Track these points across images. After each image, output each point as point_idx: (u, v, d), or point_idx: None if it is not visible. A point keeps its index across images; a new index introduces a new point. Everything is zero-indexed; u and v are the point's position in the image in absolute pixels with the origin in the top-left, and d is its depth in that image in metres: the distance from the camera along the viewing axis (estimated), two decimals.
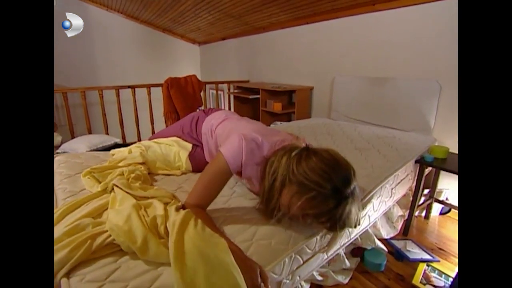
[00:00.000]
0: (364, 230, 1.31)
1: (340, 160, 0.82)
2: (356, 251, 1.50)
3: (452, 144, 1.82)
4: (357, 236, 1.27)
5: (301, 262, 0.89)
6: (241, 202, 1.04)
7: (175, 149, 1.30)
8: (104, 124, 3.23)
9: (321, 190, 0.74)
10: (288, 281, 0.86)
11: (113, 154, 1.41)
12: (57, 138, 2.91)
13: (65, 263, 0.67)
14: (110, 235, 0.74)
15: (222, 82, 3.98)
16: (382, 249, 1.49)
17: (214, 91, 4.11)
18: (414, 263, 1.49)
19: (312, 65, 3.02)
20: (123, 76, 4.33)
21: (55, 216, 0.85)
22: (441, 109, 1.97)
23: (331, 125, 2.35)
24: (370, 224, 1.34)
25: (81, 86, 3.21)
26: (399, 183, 1.47)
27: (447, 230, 1.82)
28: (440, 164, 1.60)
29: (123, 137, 3.32)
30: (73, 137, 2.99)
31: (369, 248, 1.47)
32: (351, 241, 1.21)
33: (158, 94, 3.47)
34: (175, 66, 5.05)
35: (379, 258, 1.46)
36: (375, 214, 1.33)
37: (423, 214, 1.96)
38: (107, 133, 3.21)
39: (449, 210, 1.99)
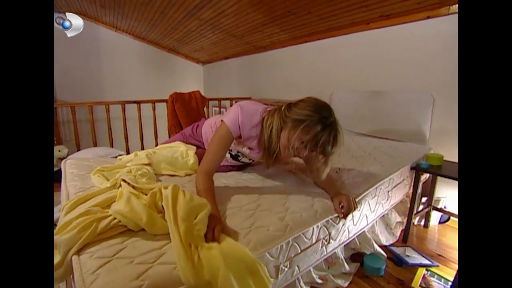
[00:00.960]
0: (362, 231, 1.34)
1: (321, 100, 1.06)
2: (355, 256, 1.52)
3: (446, 153, 1.87)
4: (355, 236, 1.30)
5: (299, 250, 0.92)
6: (240, 199, 1.09)
7: (182, 149, 1.37)
8: (109, 138, 3.32)
9: (311, 118, 0.97)
10: (286, 269, 0.89)
11: (120, 159, 1.48)
12: (64, 151, 2.99)
13: (73, 242, 0.72)
14: (114, 218, 0.79)
15: (225, 99, 4.11)
16: (382, 254, 1.50)
17: (217, 108, 4.23)
18: (413, 269, 1.49)
19: (311, 81, 3.14)
20: (129, 93, 4.48)
21: (67, 206, 0.91)
22: (435, 120, 2.04)
23: None
24: (368, 226, 1.37)
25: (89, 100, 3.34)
26: (395, 186, 1.52)
27: (446, 238, 1.83)
28: (435, 171, 1.65)
29: (128, 151, 3.40)
30: (79, 150, 3.07)
31: (368, 253, 1.49)
32: (350, 239, 1.24)
33: (162, 111, 3.59)
34: (179, 84, 5.22)
35: (379, 263, 1.47)
36: (372, 216, 1.36)
37: (422, 223, 1.97)
38: (112, 147, 3.29)
39: (448, 219, 2.00)
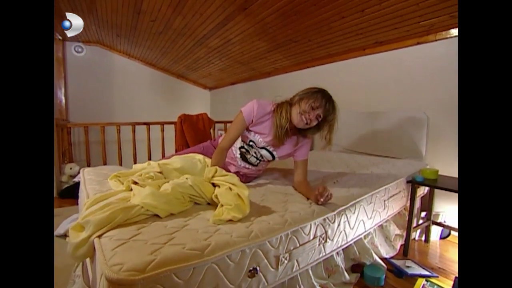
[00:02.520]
0: (359, 237, 1.40)
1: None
2: (356, 267, 1.55)
3: (443, 168, 1.95)
4: (353, 241, 1.35)
5: (297, 244, 0.99)
6: None
7: (199, 157, 1.47)
8: (118, 158, 3.45)
9: (312, 91, 1.37)
10: (286, 261, 0.95)
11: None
12: (75, 168, 3.12)
13: (104, 224, 0.83)
14: (141, 207, 0.91)
15: (230, 122, 4.26)
16: (382, 265, 1.54)
17: (223, 131, 4.38)
18: (413, 279, 1.52)
19: None
20: (139, 117, 4.69)
21: (88, 202, 1.00)
22: (431, 137, 2.14)
23: (330, 155, 2.51)
24: (366, 232, 1.42)
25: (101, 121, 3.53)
26: (391, 197, 1.58)
27: (448, 253, 1.84)
28: (430, 183, 1.72)
29: None
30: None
31: (368, 263, 1.52)
32: (348, 243, 1.29)
33: (169, 132, 3.76)
34: (187, 109, 5.44)
35: (378, 273, 1.50)
36: (370, 223, 1.42)
37: (423, 238, 2.00)
38: (121, 166, 3.41)
39: (449, 234, 2.03)
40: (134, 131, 3.49)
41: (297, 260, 1.01)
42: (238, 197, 1.03)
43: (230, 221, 0.94)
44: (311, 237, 1.05)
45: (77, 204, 1.63)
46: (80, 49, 4.29)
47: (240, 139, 1.56)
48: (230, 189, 1.08)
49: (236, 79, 4.67)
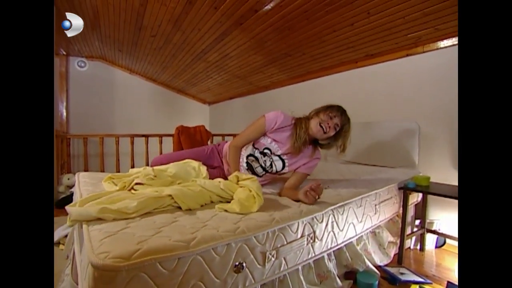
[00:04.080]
0: (350, 241, 1.40)
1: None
2: (349, 274, 1.54)
3: (435, 176, 1.97)
4: (344, 244, 1.36)
5: (285, 242, 1.00)
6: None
7: (194, 164, 1.50)
8: (116, 169, 3.48)
9: (328, 105, 1.49)
10: (273, 258, 0.96)
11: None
12: (72, 179, 3.13)
13: (139, 209, 0.95)
14: (172, 198, 1.07)
15: (228, 135, 4.33)
16: (375, 271, 1.53)
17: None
18: (406, 286, 1.51)
19: None
20: (139, 131, 4.76)
21: (80, 200, 1.03)
22: (422, 145, 2.17)
23: (326, 166, 2.54)
24: (357, 236, 1.43)
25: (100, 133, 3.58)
26: (382, 202, 1.60)
27: (443, 261, 1.83)
28: (422, 189, 1.74)
29: None
30: None
31: (361, 269, 1.52)
32: (338, 246, 1.30)
33: (168, 145, 3.81)
34: (186, 123, 5.49)
35: (371, 279, 1.49)
36: (360, 226, 1.43)
37: (418, 246, 1.99)
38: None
39: (444, 243, 2.02)
40: (132, 143, 3.54)
41: (285, 259, 1.02)
42: (252, 197, 1.14)
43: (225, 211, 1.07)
44: (299, 236, 1.06)
45: None
46: (83, 64, 4.42)
47: (251, 146, 1.61)
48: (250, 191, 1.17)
49: (234, 94, 4.77)
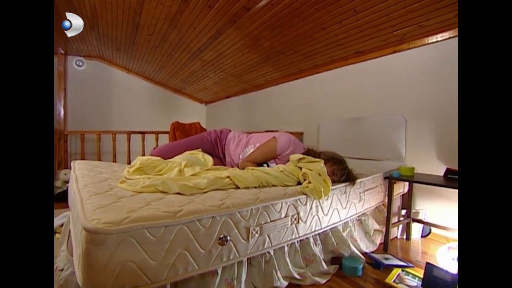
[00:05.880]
0: (335, 226, 1.47)
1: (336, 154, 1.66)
2: (335, 260, 1.61)
3: (421, 167, 2.05)
4: (329, 228, 1.42)
5: (268, 220, 1.07)
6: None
7: (197, 154, 1.59)
8: None
9: (338, 158, 1.59)
10: (257, 234, 1.03)
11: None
12: (69, 174, 3.18)
13: (208, 185, 1.14)
14: (230, 179, 1.24)
15: None
16: (360, 256, 1.60)
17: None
18: (389, 270, 1.56)
19: (302, 114, 3.43)
20: (136, 127, 4.83)
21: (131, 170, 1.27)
22: (409, 138, 2.25)
23: None
24: (341, 222, 1.50)
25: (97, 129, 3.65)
26: (366, 190, 1.67)
27: (429, 249, 1.88)
28: (407, 179, 1.81)
29: None
30: None
31: (346, 254, 1.58)
32: (323, 230, 1.37)
33: (164, 142, 3.86)
34: (182, 121, 5.58)
35: (356, 263, 1.55)
36: (344, 212, 1.50)
37: (405, 236, 2.06)
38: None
39: (430, 232, 2.08)
40: (129, 140, 3.60)
41: (268, 236, 1.08)
42: (324, 182, 1.30)
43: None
44: (283, 215, 1.12)
45: (69, 207, 1.69)
46: (81, 63, 4.48)
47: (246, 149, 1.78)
48: (319, 174, 1.32)
49: (230, 93, 4.84)
